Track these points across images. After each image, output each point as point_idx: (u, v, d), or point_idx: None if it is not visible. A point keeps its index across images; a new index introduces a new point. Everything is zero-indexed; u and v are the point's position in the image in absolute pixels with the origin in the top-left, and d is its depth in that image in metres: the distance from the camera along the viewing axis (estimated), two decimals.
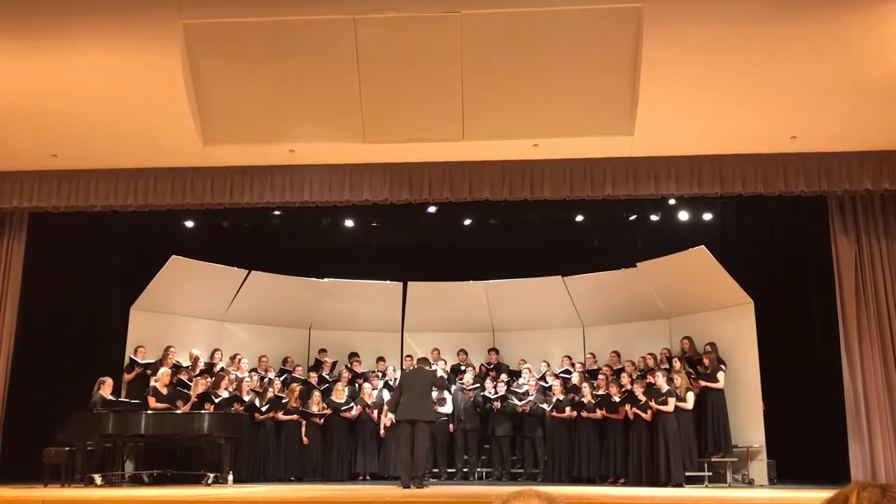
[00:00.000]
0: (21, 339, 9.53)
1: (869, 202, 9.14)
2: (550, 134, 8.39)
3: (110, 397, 9.14)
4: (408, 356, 11.42)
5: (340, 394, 10.60)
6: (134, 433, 8.84)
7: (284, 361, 11.49)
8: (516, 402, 10.45)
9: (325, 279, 12.04)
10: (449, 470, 10.71)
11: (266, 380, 10.75)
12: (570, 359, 11.24)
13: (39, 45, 7.56)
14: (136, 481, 9.38)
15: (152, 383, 9.70)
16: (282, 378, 10.93)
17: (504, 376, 10.93)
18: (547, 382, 10.69)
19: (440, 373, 10.59)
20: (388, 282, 12.10)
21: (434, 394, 10.36)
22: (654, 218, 11.01)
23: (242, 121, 8.40)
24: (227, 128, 8.45)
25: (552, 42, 7.61)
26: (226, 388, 9.95)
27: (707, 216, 10.86)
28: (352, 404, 10.54)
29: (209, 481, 8.85)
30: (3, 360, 9.33)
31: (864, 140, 8.54)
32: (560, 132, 8.36)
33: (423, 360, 9.27)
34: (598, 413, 9.84)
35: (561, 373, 10.94)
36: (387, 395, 10.62)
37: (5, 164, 9.21)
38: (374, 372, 11.34)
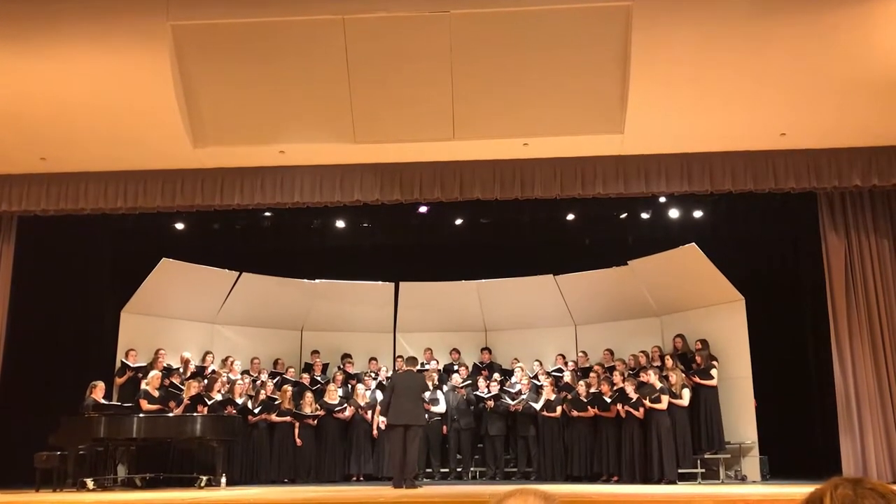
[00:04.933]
0: (11, 343, 9.48)
1: (858, 198, 9.19)
2: (541, 133, 8.40)
3: (102, 401, 9.10)
4: (399, 357, 11.42)
5: (333, 395, 10.58)
6: (126, 437, 8.79)
7: (275, 363, 11.46)
8: (509, 401, 10.45)
9: (317, 280, 12.02)
10: (442, 469, 10.71)
11: (258, 382, 10.73)
12: (564, 357, 11.25)
13: (27, 48, 7.52)
14: (128, 485, 9.34)
15: (143, 386, 9.67)
16: (274, 380, 10.90)
17: (497, 375, 10.93)
18: (539, 381, 10.71)
19: (434, 375, 10.58)
20: (380, 282, 12.09)
21: (426, 394, 10.37)
22: (644, 216, 11.04)
23: (232, 122, 8.37)
24: (217, 129, 8.43)
25: (542, 41, 7.62)
26: (219, 391, 9.92)
27: (697, 214, 10.90)
28: (345, 405, 10.52)
29: (202, 484, 8.83)
30: None
31: (853, 136, 8.58)
32: (550, 131, 8.37)
33: (412, 361, 9.24)
34: (591, 411, 9.86)
35: (553, 371, 10.95)
36: (380, 396, 10.61)
37: None
38: (367, 373, 11.34)
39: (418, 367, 9.42)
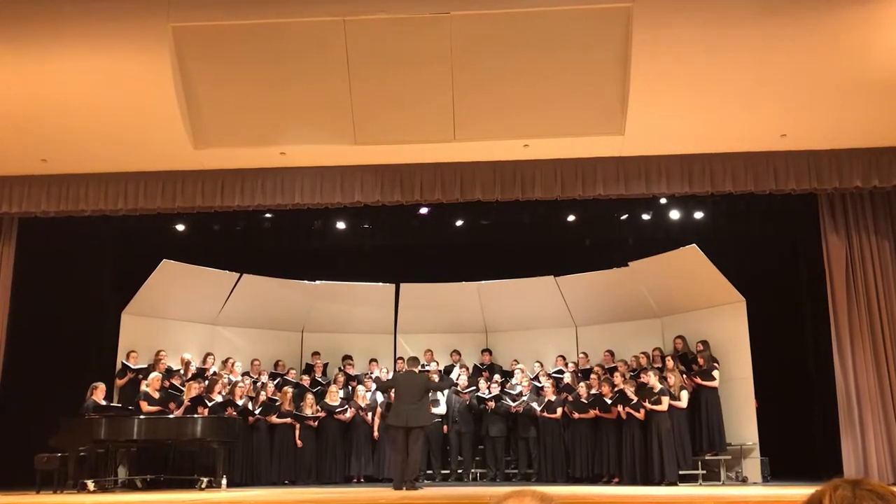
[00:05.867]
0: (12, 345, 9.48)
1: (859, 199, 9.19)
2: (541, 134, 8.40)
3: (103, 402, 9.10)
4: (400, 358, 11.42)
5: (335, 396, 10.58)
6: (127, 438, 8.79)
7: (276, 365, 11.46)
8: (510, 402, 10.45)
9: (318, 282, 12.01)
10: (443, 471, 10.70)
11: (259, 383, 10.72)
12: (564, 358, 11.24)
13: (29, 49, 7.53)
14: (129, 487, 9.34)
15: (143, 388, 9.67)
16: (275, 381, 10.90)
17: (497, 377, 10.92)
18: (540, 383, 10.70)
19: (434, 376, 10.53)
20: (381, 284, 12.08)
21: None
22: (645, 217, 11.04)
23: (233, 124, 8.38)
24: (218, 131, 8.43)
25: (542, 42, 7.62)
26: (219, 392, 9.92)
27: (698, 215, 10.89)
28: (346, 407, 10.52)
29: (203, 486, 8.83)
30: None
31: (854, 137, 8.58)
32: (551, 132, 8.37)
33: (413, 361, 9.18)
34: (591, 413, 9.86)
35: (554, 373, 10.94)
36: (380, 398, 10.61)
37: None
38: (367, 374, 11.33)
39: (420, 367, 9.37)
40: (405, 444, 8.44)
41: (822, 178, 8.75)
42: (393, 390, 9.27)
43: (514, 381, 10.85)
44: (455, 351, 11.77)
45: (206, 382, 10.07)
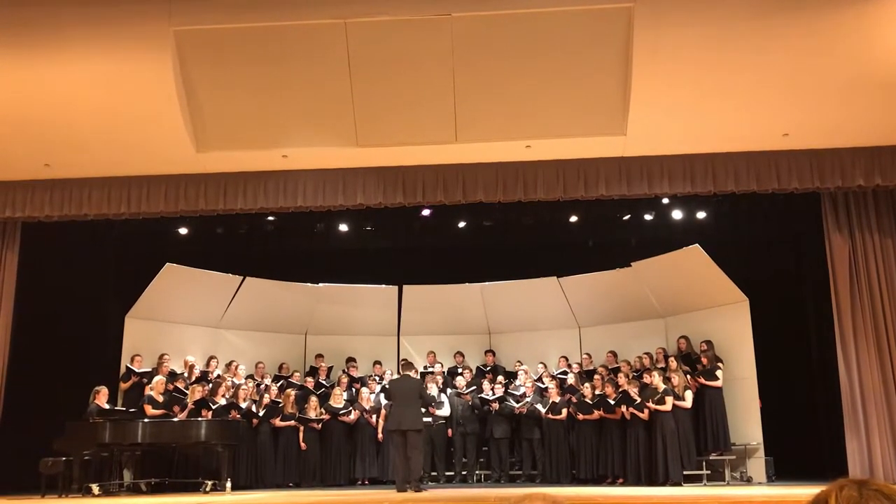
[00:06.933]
0: (16, 348, 9.49)
1: (861, 198, 9.17)
2: (543, 135, 8.40)
3: (106, 406, 9.11)
4: (403, 360, 11.40)
5: (339, 398, 10.58)
6: (131, 442, 8.80)
7: (280, 367, 11.47)
8: (514, 403, 10.44)
9: (321, 284, 12.02)
10: (447, 473, 10.70)
11: (263, 386, 10.73)
12: (567, 359, 11.24)
13: (31, 54, 7.55)
14: (133, 490, 9.34)
15: (147, 391, 9.69)
16: (278, 384, 10.91)
17: (501, 378, 10.92)
18: (544, 384, 10.69)
19: (434, 389, 10.45)
20: (384, 286, 12.09)
21: (434, 392, 10.33)
22: (647, 217, 11.03)
23: (235, 127, 8.39)
24: (220, 134, 8.44)
25: (543, 43, 7.62)
26: (223, 395, 9.93)
27: (701, 215, 10.88)
28: (350, 409, 10.52)
29: (207, 489, 8.83)
30: None
31: (856, 136, 8.57)
32: (553, 133, 8.37)
33: (407, 366, 9.09)
34: (595, 414, 9.85)
35: (558, 374, 10.93)
36: (384, 400, 10.60)
37: None
38: (371, 376, 11.33)
39: (418, 370, 9.34)
40: (404, 447, 8.43)
41: (825, 177, 8.74)
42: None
43: (517, 382, 10.84)
44: (459, 352, 11.77)
45: (210, 385, 10.09)
